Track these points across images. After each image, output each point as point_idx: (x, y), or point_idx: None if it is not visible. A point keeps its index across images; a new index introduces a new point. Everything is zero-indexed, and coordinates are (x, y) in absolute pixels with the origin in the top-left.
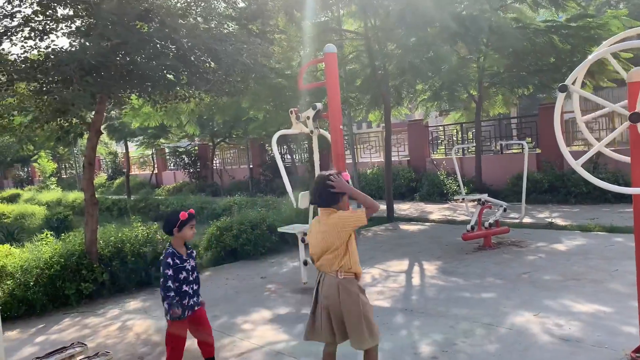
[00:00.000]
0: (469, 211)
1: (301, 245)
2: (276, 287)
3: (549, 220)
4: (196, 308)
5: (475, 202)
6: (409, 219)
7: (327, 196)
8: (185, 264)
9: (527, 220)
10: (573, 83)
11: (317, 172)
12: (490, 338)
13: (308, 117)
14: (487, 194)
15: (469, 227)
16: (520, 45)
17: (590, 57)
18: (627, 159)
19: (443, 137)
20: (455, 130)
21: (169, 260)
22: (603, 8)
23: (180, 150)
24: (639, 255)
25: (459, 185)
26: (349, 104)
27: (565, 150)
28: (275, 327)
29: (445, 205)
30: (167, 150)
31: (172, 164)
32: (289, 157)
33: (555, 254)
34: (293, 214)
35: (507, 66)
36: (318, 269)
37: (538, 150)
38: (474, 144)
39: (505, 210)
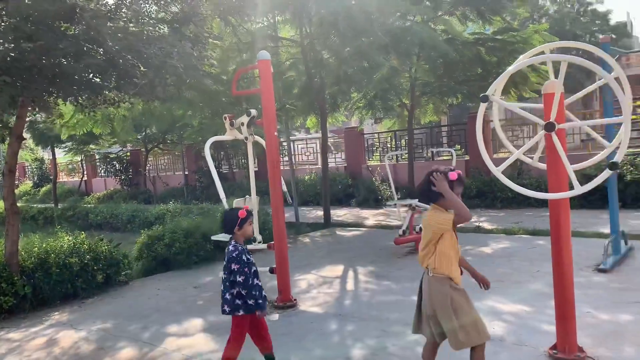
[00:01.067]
0: (401, 216)
1: None
2: (210, 296)
3: (477, 224)
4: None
5: (407, 208)
6: (345, 225)
7: (426, 192)
8: (252, 259)
9: None
10: (494, 93)
11: (253, 179)
12: (419, 341)
13: (242, 124)
14: (417, 200)
15: (400, 231)
16: (449, 56)
17: (509, 69)
18: (544, 166)
19: (378, 144)
20: (389, 138)
21: (244, 257)
22: (527, 22)
23: (111, 156)
24: (555, 257)
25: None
26: (286, 111)
27: (486, 157)
28: (208, 337)
29: (380, 211)
30: (97, 156)
31: (102, 171)
32: (226, 163)
33: (482, 256)
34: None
35: (437, 76)
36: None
37: (467, 157)
38: (406, 151)
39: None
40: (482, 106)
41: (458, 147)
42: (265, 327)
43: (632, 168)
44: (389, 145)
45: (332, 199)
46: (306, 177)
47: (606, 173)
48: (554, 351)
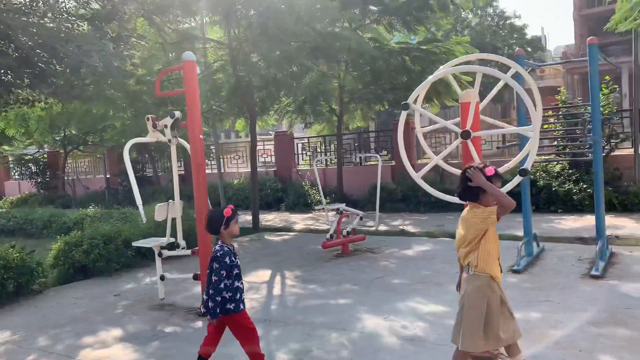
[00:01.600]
0: (329, 220)
1: (158, 260)
2: (130, 304)
3: (402, 227)
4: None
5: (335, 212)
6: (274, 229)
7: (465, 189)
8: (236, 260)
9: (382, 227)
10: (415, 101)
11: (176, 182)
12: (344, 343)
13: (166, 126)
14: (345, 204)
15: (328, 235)
16: (376, 64)
17: (429, 78)
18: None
19: (308, 148)
20: (319, 142)
21: (227, 259)
22: (450, 33)
23: (26, 158)
24: None
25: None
26: (214, 114)
27: (406, 162)
28: (127, 347)
29: (309, 215)
30: (10, 158)
31: (16, 173)
32: (150, 166)
33: (406, 259)
34: (152, 227)
35: (365, 83)
36: (458, 260)
37: (393, 163)
38: (331, 157)
39: (361, 218)
40: (404, 114)
41: (385, 152)
42: (219, 336)
43: (544, 174)
44: (318, 150)
45: (261, 203)
46: (235, 182)
47: (517, 179)
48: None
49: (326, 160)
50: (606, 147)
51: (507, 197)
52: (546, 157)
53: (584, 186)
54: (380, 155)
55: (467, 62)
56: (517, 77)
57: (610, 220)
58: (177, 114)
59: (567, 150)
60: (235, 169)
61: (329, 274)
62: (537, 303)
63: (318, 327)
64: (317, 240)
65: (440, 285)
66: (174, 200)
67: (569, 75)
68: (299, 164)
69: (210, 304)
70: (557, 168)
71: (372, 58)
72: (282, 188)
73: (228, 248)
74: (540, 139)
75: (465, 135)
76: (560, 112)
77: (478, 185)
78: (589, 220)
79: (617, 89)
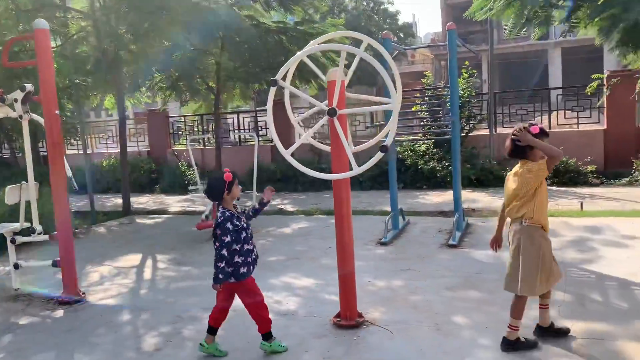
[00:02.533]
0: (205, 201)
1: (11, 247)
2: None
3: (280, 206)
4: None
5: None
6: (147, 212)
7: (514, 150)
8: (242, 223)
9: None
10: (284, 78)
11: (30, 162)
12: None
13: (16, 100)
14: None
15: (203, 216)
16: (254, 42)
17: (297, 54)
18: (328, 148)
19: (184, 127)
20: (196, 121)
21: (229, 225)
22: (328, 16)
23: None
24: (338, 233)
25: (199, 177)
26: (78, 89)
27: (277, 140)
28: None
29: (186, 197)
30: None
31: None
32: (7, 146)
33: (282, 236)
34: (7, 211)
35: (243, 61)
36: (506, 215)
37: (273, 143)
38: (208, 135)
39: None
40: (272, 90)
41: (265, 133)
42: (229, 305)
43: (411, 153)
44: (196, 129)
45: (134, 185)
46: (104, 163)
47: (378, 155)
48: (338, 319)
49: (203, 139)
50: (465, 128)
51: (554, 149)
52: (413, 138)
53: (446, 164)
54: (260, 136)
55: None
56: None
57: (467, 194)
58: (29, 86)
59: (432, 130)
60: (105, 149)
61: (204, 255)
62: (401, 272)
63: (190, 308)
64: (193, 222)
65: (313, 260)
66: (27, 182)
67: (437, 61)
68: (175, 144)
69: (214, 270)
70: (423, 148)
71: (249, 36)
72: (157, 169)
73: (230, 213)
74: (409, 119)
75: (332, 112)
76: (425, 95)
77: (526, 144)
78: (450, 195)
79: (476, 73)
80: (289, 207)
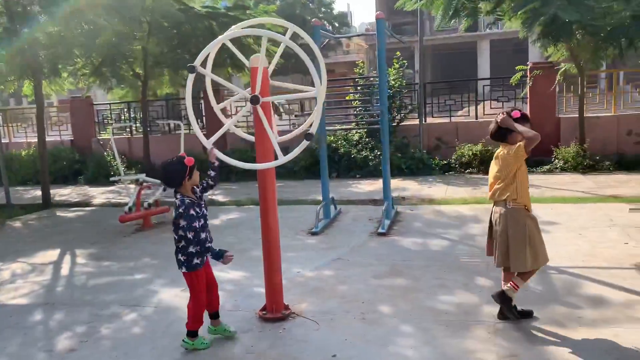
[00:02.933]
0: (130, 192)
1: None
2: None
3: (210, 197)
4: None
5: (134, 183)
6: (68, 205)
7: (495, 132)
8: (203, 210)
9: None
10: (204, 64)
11: None
12: (136, 320)
13: None
14: (145, 174)
15: (126, 208)
16: (182, 27)
17: (216, 39)
18: (252, 137)
19: (110, 116)
20: (123, 109)
21: (192, 212)
22: (262, 2)
23: None
24: (264, 224)
25: (126, 167)
26: None
27: (197, 129)
28: None
29: (111, 188)
30: None
31: None
32: None
33: (212, 228)
34: None
35: (171, 47)
36: (490, 198)
37: (205, 131)
38: (131, 124)
39: (165, 189)
40: (191, 77)
41: (198, 120)
42: (215, 283)
43: (345, 142)
44: (123, 118)
45: (56, 176)
46: (23, 153)
47: (303, 143)
48: (264, 312)
49: (130, 128)
50: (397, 118)
51: (531, 132)
52: (345, 127)
53: (378, 153)
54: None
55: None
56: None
57: (398, 183)
58: None
59: (363, 120)
60: (25, 139)
61: (127, 249)
62: (331, 261)
63: (109, 306)
64: (117, 215)
65: (243, 252)
66: None
67: (371, 51)
68: (100, 133)
69: (183, 259)
70: (356, 137)
71: (176, 21)
72: (81, 159)
73: (190, 200)
74: (341, 107)
75: (254, 100)
76: (358, 84)
77: (506, 127)
78: (381, 183)
79: (407, 64)
80: (220, 198)
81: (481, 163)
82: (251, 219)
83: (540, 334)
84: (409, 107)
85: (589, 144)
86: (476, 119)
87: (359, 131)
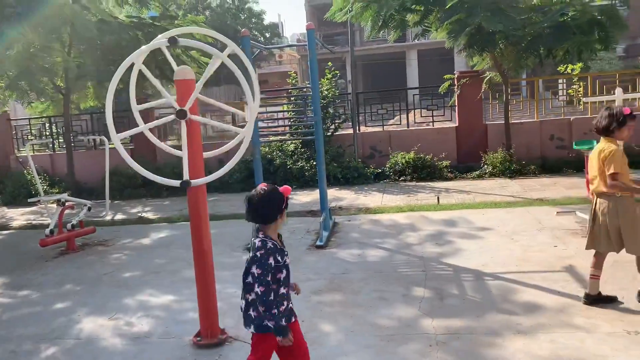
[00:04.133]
0: (52, 213)
1: None
2: None
3: (140, 214)
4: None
5: (56, 203)
6: None
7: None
8: (285, 259)
9: (119, 216)
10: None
11: None
12: (56, 355)
13: None
14: (68, 193)
15: (47, 231)
16: (105, 38)
17: (142, 47)
18: (180, 152)
19: (30, 131)
20: (44, 124)
21: (271, 260)
22: (192, 12)
23: None
24: (196, 244)
25: (48, 185)
26: None
27: (116, 141)
28: None
29: (32, 209)
30: None
31: None
32: None
33: (141, 248)
34: None
35: (94, 59)
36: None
37: (132, 146)
38: (48, 140)
39: (90, 209)
40: (111, 88)
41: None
42: (304, 348)
43: (280, 153)
44: (44, 133)
45: None
46: None
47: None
48: (198, 338)
49: (52, 143)
50: (331, 128)
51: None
52: (280, 137)
53: (314, 163)
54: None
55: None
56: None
57: (334, 192)
58: None
59: (298, 130)
60: None
61: (49, 275)
62: None
63: (26, 341)
64: (38, 238)
65: (174, 273)
66: None
67: (304, 62)
68: (20, 150)
69: (268, 322)
70: (291, 147)
71: (98, 32)
72: None
73: (274, 244)
74: (275, 119)
75: (181, 114)
76: (291, 95)
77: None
78: (318, 194)
79: (339, 74)
80: (150, 215)
81: (414, 171)
82: (184, 237)
83: (480, 345)
84: (343, 116)
85: (514, 149)
86: (408, 127)
87: (294, 142)
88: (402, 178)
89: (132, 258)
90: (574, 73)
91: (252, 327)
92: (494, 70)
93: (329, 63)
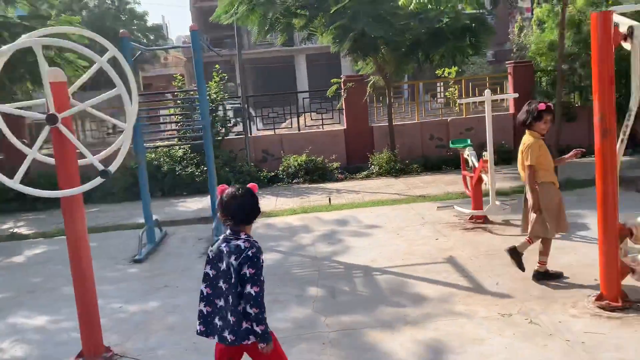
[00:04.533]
0: None
1: None
2: None
3: (12, 230)
4: None
5: None
6: None
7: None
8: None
9: None
10: None
11: None
12: None
13: None
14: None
15: None
16: None
17: (4, 47)
18: (49, 159)
19: None
20: None
21: (262, 259)
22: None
23: None
24: (74, 257)
25: None
26: None
27: None
28: None
29: None
30: None
31: None
32: None
33: (14, 267)
34: None
35: None
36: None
37: (2, 156)
38: None
39: None
40: None
41: None
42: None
43: (168, 159)
44: None
45: None
46: None
47: (97, 180)
48: (81, 359)
49: None
50: (222, 131)
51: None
52: (168, 143)
53: (205, 168)
54: None
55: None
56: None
57: None
58: None
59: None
60: None
61: None
62: (157, 290)
63: None
64: None
65: (53, 291)
66: None
67: (191, 64)
68: None
69: (257, 327)
70: (180, 152)
71: None
72: None
73: (258, 244)
74: (162, 123)
75: (52, 119)
76: (177, 98)
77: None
78: (210, 200)
79: (227, 77)
80: (24, 230)
81: (307, 173)
82: (62, 252)
83: (371, 339)
84: (232, 120)
85: (398, 150)
86: (299, 130)
87: (182, 147)
88: (295, 180)
89: (4, 278)
90: (450, 77)
91: (252, 337)
92: (377, 75)
93: (217, 66)
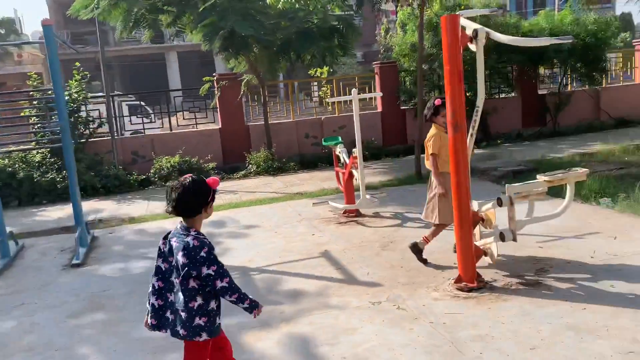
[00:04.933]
0: None
1: None
2: None
3: None
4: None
5: None
6: None
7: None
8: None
9: None
10: None
11: None
12: None
13: None
14: None
15: None
16: None
17: None
18: None
19: None
20: None
21: (214, 253)
22: None
23: None
24: None
25: None
26: None
27: None
28: None
29: None
30: None
31: None
32: None
33: None
34: None
35: None
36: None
37: None
38: None
39: None
40: None
41: None
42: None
43: (24, 165)
44: None
45: None
46: None
47: None
48: None
49: None
50: (85, 133)
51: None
52: (22, 147)
53: (67, 174)
54: None
55: None
56: None
57: (93, 204)
58: None
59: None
60: None
61: None
62: (12, 309)
63: None
64: None
65: None
66: None
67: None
68: None
69: (243, 305)
70: (38, 157)
71: None
72: None
73: (209, 240)
74: (14, 126)
75: None
76: (33, 98)
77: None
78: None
79: (89, 75)
80: None
81: (180, 174)
82: None
83: (248, 339)
84: (97, 121)
85: (275, 148)
86: (171, 130)
87: (40, 151)
88: (168, 183)
89: None
90: (322, 76)
91: (204, 335)
92: (250, 73)
93: (77, 63)
